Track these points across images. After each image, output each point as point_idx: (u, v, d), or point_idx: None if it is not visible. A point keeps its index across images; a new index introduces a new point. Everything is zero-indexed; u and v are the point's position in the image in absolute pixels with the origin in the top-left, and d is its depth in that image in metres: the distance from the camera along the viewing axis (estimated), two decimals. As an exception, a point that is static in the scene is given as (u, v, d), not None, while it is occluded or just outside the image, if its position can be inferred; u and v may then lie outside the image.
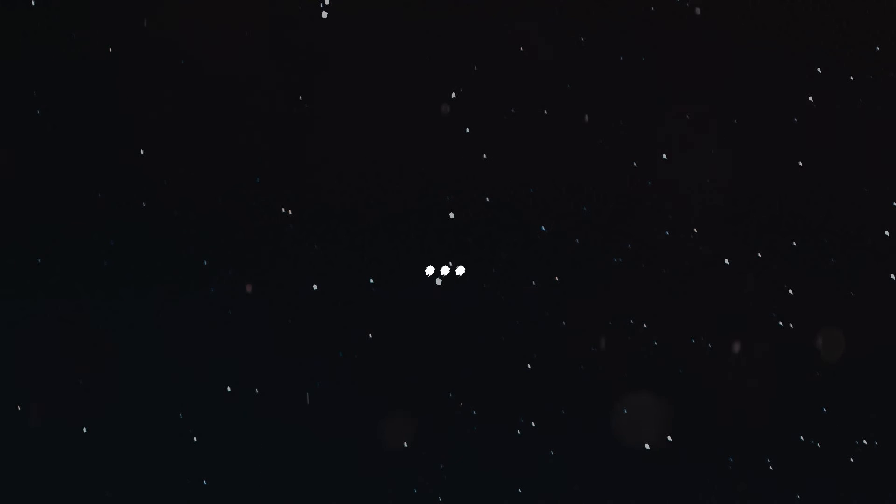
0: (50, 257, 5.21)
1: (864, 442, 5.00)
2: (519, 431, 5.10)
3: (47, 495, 5.15)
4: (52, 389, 5.18)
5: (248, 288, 4.78)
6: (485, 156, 5.14)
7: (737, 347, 5.06)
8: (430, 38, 5.16)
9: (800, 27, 5.06)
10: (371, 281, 5.15)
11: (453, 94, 5.14)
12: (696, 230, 5.08)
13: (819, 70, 5.04)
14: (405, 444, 5.11)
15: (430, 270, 5.14)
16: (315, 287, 5.16)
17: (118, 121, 5.22)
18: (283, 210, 5.18)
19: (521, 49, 5.14)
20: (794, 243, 5.05)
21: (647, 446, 5.05)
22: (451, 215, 5.14)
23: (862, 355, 5.02)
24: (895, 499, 4.98)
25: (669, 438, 5.05)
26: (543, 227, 5.12)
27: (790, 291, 5.04)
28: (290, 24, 5.19)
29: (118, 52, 5.22)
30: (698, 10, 5.08)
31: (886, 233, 5.00)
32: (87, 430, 5.14)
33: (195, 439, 5.13)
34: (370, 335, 5.15)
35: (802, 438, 5.02)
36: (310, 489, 5.12)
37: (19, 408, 5.17)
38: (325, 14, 5.16)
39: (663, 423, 5.06)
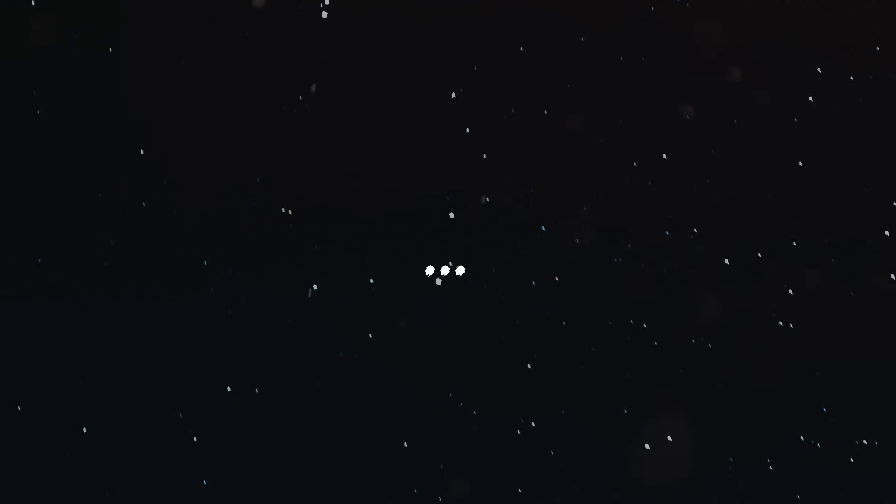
0: (50, 257, 5.21)
1: (864, 442, 5.00)
2: (519, 431, 5.10)
3: (47, 495, 5.15)
4: (52, 389, 5.18)
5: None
6: (485, 156, 5.14)
7: (737, 347, 5.06)
8: (430, 38, 5.16)
9: (800, 27, 5.06)
10: (371, 281, 5.15)
11: (453, 94, 5.14)
12: (696, 230, 5.08)
13: (819, 70, 5.04)
14: (405, 444, 5.11)
15: (430, 270, 5.14)
16: (315, 287, 5.17)
17: (118, 121, 5.23)
18: (283, 210, 5.18)
19: (521, 49, 5.14)
20: (794, 243, 5.05)
21: (647, 446, 5.06)
22: (451, 215, 5.14)
23: (862, 355, 5.02)
24: (895, 499, 4.98)
25: (669, 438, 5.05)
26: (543, 227, 5.12)
27: (790, 291, 5.04)
28: (290, 24, 5.20)
29: (118, 52, 5.22)
30: (698, 11, 5.08)
31: (886, 233, 5.00)
32: (87, 430, 5.15)
33: (195, 439, 5.13)
34: (370, 335, 5.15)
35: (802, 438, 5.02)
36: (310, 489, 5.12)
37: (19, 408, 5.17)
38: (325, 14, 5.16)
39: (663, 423, 5.06)
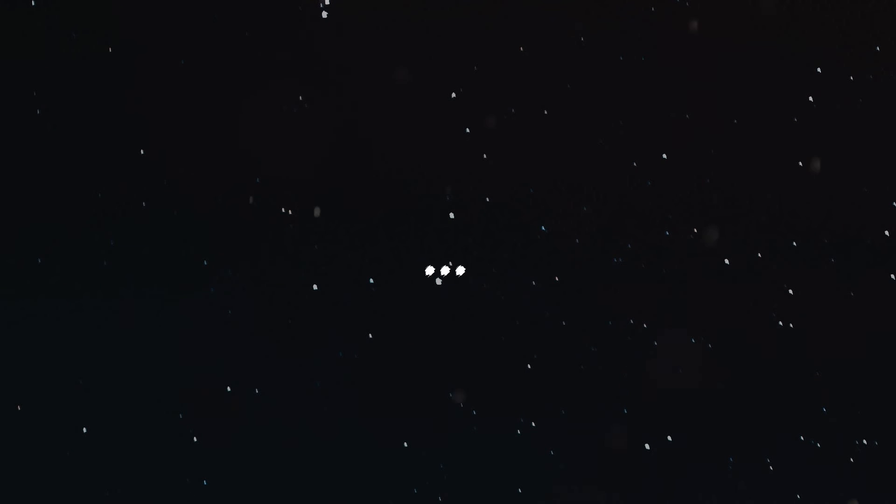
0: (50, 257, 5.21)
1: (864, 442, 5.00)
2: (519, 431, 5.10)
3: (47, 495, 5.15)
4: (52, 389, 5.18)
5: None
6: (485, 156, 5.14)
7: (737, 347, 5.05)
8: (430, 38, 5.16)
9: (800, 27, 5.06)
10: (371, 281, 5.15)
11: (453, 94, 5.14)
12: (696, 230, 5.08)
13: (819, 70, 5.04)
14: (405, 444, 5.11)
15: (430, 270, 5.14)
16: (315, 287, 5.17)
17: (118, 121, 5.23)
18: (283, 210, 5.18)
19: (521, 49, 5.14)
20: (794, 243, 5.05)
21: (647, 446, 5.06)
22: (451, 215, 5.14)
23: (862, 355, 5.02)
24: (895, 499, 4.98)
25: (669, 438, 5.05)
26: (543, 227, 5.12)
27: (790, 291, 5.04)
28: (290, 24, 5.19)
29: (118, 52, 5.22)
30: (698, 11, 5.08)
31: (886, 233, 5.00)
32: (87, 430, 5.15)
33: (195, 439, 5.13)
34: (370, 335, 5.15)
35: (802, 438, 5.02)
36: (310, 489, 5.12)
37: (19, 408, 5.17)
38: (325, 14, 5.16)
39: (663, 423, 5.06)
